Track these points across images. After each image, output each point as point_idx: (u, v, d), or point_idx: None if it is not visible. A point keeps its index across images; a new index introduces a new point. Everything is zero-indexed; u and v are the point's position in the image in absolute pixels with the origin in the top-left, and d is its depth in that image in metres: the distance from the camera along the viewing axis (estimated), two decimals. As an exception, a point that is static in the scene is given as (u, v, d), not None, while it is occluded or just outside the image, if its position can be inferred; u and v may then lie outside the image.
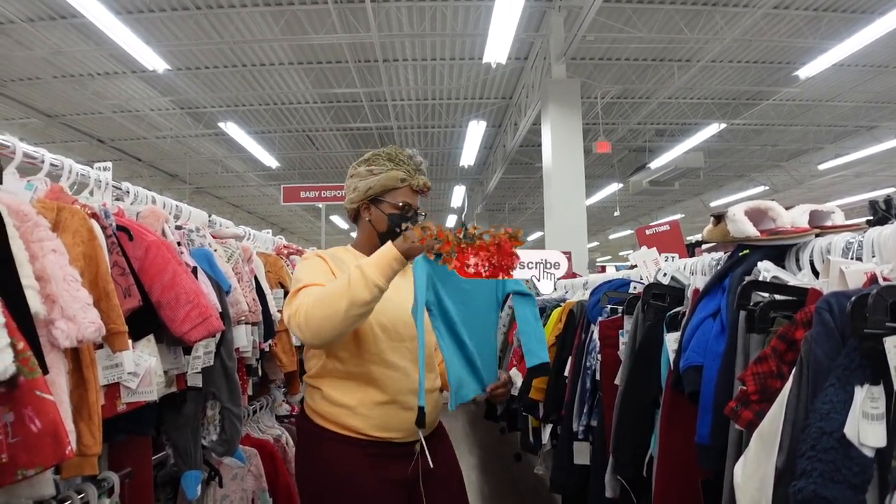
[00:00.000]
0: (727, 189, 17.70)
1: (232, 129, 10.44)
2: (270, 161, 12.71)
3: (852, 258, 1.08)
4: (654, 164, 12.15)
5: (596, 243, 26.70)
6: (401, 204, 1.71)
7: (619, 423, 1.59)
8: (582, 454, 2.16)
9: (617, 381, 1.73)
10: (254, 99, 10.71)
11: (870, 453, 0.78)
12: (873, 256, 1.04)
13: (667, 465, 1.34)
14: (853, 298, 0.81)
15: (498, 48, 6.70)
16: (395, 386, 1.59)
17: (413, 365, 1.61)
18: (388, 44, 8.47)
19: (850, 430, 0.78)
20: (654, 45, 8.54)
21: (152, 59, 7.30)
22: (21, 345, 1.00)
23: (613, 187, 15.36)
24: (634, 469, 1.55)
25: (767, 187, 16.59)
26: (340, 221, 21.81)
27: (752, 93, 10.74)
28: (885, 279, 0.94)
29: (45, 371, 1.04)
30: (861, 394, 0.80)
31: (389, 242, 1.47)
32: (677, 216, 20.93)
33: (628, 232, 22.88)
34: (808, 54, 8.08)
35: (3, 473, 0.97)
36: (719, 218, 1.33)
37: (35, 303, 1.06)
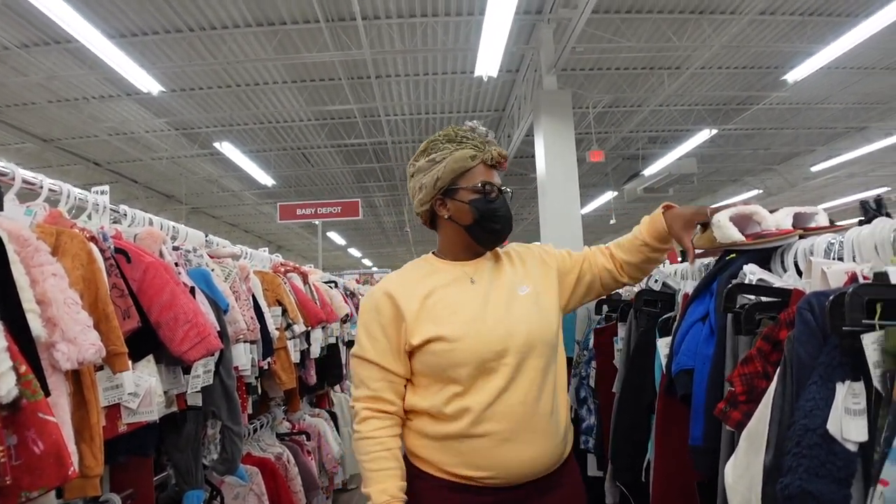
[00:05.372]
0: (721, 194, 17.78)
1: (227, 148, 10.49)
2: (266, 179, 12.75)
3: (834, 258, 1.11)
4: (648, 172, 12.22)
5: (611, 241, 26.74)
6: (480, 185, 1.44)
7: (616, 430, 1.61)
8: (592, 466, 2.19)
9: (614, 389, 1.74)
10: (248, 118, 10.76)
11: (853, 448, 0.80)
12: (854, 256, 1.07)
13: (663, 469, 1.36)
14: (831, 297, 0.84)
15: (489, 62, 6.77)
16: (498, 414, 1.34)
17: (506, 384, 1.34)
18: (381, 60, 8.55)
19: (832, 426, 0.80)
20: (643, 53, 8.62)
21: (146, 82, 7.35)
22: (23, 368, 1.02)
23: (608, 195, 15.42)
24: (633, 475, 1.56)
25: (761, 191, 16.66)
26: (337, 237, 21.84)
27: (742, 98, 10.83)
28: (864, 278, 0.97)
29: (48, 393, 1.06)
30: (842, 390, 0.82)
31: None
32: (673, 222, 20.95)
33: (625, 239, 22.88)
34: (796, 58, 8.16)
35: (6, 496, 0.99)
36: (705, 225, 1.36)
37: (36, 326, 1.09)
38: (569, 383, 2.08)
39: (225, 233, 19.63)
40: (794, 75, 8.23)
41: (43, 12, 5.57)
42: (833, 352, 0.84)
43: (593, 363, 1.88)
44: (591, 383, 1.89)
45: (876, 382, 0.79)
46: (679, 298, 1.50)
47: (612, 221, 17.49)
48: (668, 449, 1.34)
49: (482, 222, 1.44)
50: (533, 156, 8.55)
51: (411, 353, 1.39)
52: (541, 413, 1.35)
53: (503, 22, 5.91)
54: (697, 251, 1.43)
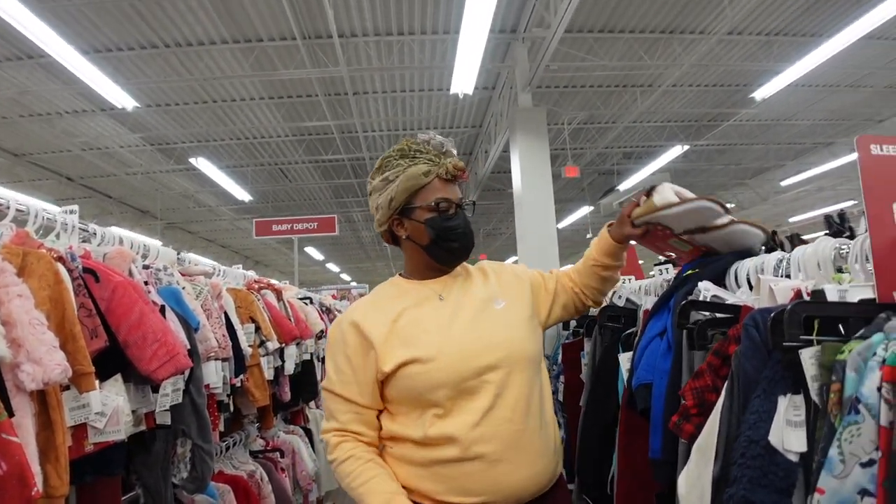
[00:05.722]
0: (695, 208, 18.09)
1: (203, 164, 10.42)
2: (243, 195, 12.68)
3: (782, 275, 1.16)
4: (623, 186, 12.42)
5: (570, 266, 26.96)
6: (434, 203, 1.38)
7: (582, 444, 1.64)
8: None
9: (581, 403, 1.78)
10: (225, 134, 10.73)
11: (794, 458, 0.84)
12: (800, 273, 1.12)
13: (626, 482, 1.39)
14: (772, 314, 0.88)
15: (464, 80, 6.86)
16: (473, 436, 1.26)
17: (491, 402, 1.28)
18: (358, 77, 8.60)
19: (774, 438, 0.84)
20: (616, 72, 8.81)
21: (121, 97, 7.30)
22: (-14, 389, 1.02)
23: (585, 210, 15.61)
24: (599, 488, 1.59)
25: (733, 204, 17.01)
26: (315, 252, 21.73)
27: (713, 114, 11.10)
28: (808, 294, 1.02)
29: (11, 414, 1.06)
30: (784, 403, 0.86)
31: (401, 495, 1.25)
32: (649, 236, 21.29)
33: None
34: (764, 76, 8.41)
35: (-32, 518, 0.99)
36: (649, 192, 1.45)
37: (1, 347, 1.09)
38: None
39: (201, 248, 19.44)
40: (761, 93, 8.47)
41: (15, 27, 5.52)
42: (776, 366, 0.88)
43: (562, 378, 1.91)
44: (560, 398, 1.92)
45: (814, 395, 0.84)
46: (640, 314, 1.55)
47: (588, 235, 17.66)
48: (630, 461, 1.38)
49: (439, 242, 1.38)
50: (510, 171, 8.65)
51: (385, 380, 1.32)
52: (531, 430, 1.29)
53: (478, 40, 6.01)
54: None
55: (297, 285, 5.60)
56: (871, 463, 0.72)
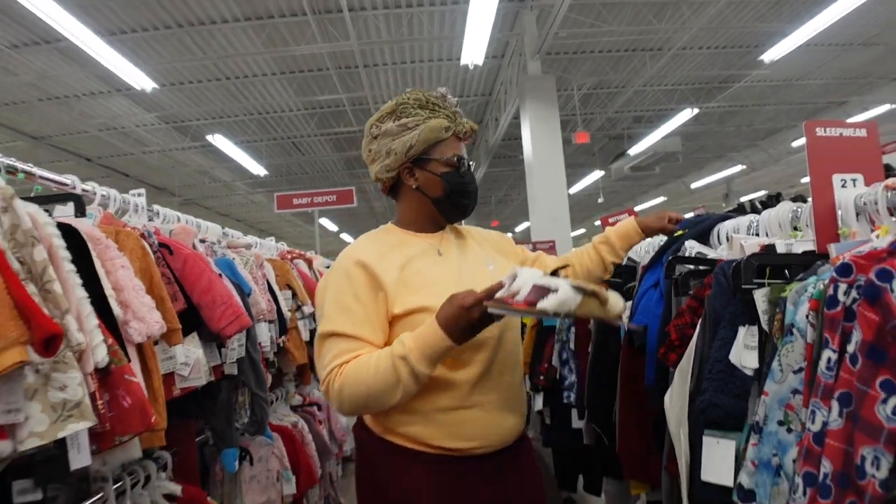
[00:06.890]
0: (707, 170, 18.10)
1: (219, 140, 10.65)
2: (258, 169, 12.93)
3: (753, 234, 1.39)
4: (634, 151, 12.50)
5: (583, 230, 27.08)
6: (455, 158, 1.41)
7: (590, 382, 1.90)
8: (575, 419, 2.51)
9: (590, 349, 2.03)
10: (239, 110, 10.93)
11: (749, 373, 1.08)
12: (767, 232, 1.34)
13: (625, 408, 1.65)
14: (733, 264, 1.12)
15: (474, 50, 6.96)
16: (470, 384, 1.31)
17: (492, 356, 1.34)
18: (368, 50, 8.73)
19: (733, 357, 1.08)
20: (625, 37, 8.85)
21: (139, 78, 7.45)
22: (110, 341, 1.28)
23: (596, 175, 15.69)
24: (605, 417, 1.85)
25: (745, 166, 16.99)
26: (330, 224, 22.04)
27: (723, 77, 11.09)
28: (771, 248, 1.24)
29: (129, 360, 1.33)
30: (742, 332, 1.10)
31: (436, 324, 1.20)
32: (659, 199, 21.35)
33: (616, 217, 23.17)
34: (774, 37, 8.40)
35: (104, 440, 1.26)
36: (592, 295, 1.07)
37: (116, 308, 1.35)
38: (552, 348, 2.37)
39: (217, 223, 19.78)
40: (770, 55, 8.46)
41: (33, 12, 5.64)
42: (737, 304, 1.12)
43: (573, 329, 2.16)
44: (572, 346, 2.17)
45: (764, 325, 1.07)
46: (639, 270, 1.78)
47: (600, 200, 17.77)
48: (628, 391, 1.63)
49: (452, 197, 1.42)
50: (520, 138, 8.79)
51: (391, 323, 1.33)
52: (517, 382, 1.41)
53: (487, 10, 6.10)
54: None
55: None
56: (800, 370, 0.96)
